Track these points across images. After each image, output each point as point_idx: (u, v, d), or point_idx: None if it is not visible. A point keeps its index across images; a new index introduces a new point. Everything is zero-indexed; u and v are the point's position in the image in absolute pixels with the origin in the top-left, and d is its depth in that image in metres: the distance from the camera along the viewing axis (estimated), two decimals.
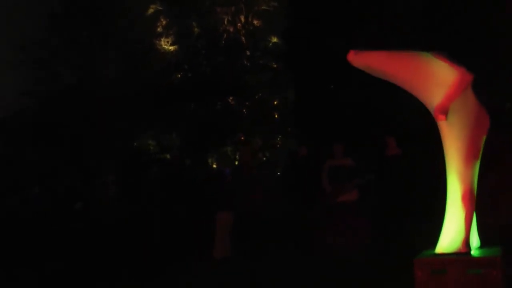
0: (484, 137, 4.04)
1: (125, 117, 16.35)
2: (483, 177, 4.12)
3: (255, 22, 19.34)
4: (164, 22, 19.19)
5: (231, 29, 19.09)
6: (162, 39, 19.05)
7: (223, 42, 18.68)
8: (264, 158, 18.34)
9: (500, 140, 5.13)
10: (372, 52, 3.94)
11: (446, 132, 3.97)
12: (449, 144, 3.98)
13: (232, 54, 18.43)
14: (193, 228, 8.56)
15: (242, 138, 18.06)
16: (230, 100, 18.50)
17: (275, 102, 18.87)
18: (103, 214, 11.51)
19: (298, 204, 8.37)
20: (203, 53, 18.63)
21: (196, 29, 18.76)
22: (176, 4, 18.65)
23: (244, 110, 18.64)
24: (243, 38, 19.04)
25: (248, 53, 18.94)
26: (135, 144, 17.95)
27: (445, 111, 3.82)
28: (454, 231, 3.91)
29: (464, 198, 3.91)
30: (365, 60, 3.94)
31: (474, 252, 3.92)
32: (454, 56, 3.84)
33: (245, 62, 18.89)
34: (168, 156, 16.63)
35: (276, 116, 18.81)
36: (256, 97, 18.70)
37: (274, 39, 18.82)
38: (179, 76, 18.73)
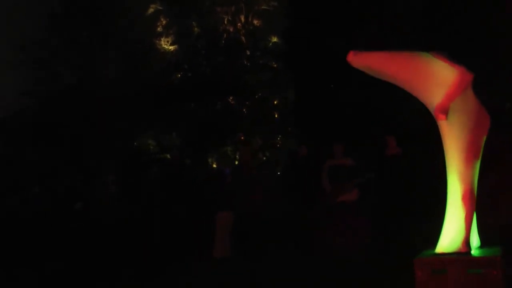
0: (484, 137, 4.04)
1: (125, 117, 16.34)
2: (483, 177, 4.11)
3: (255, 22, 19.29)
4: (164, 22, 19.14)
5: (231, 29, 19.05)
6: (162, 39, 19.00)
7: (223, 42, 18.65)
8: (264, 158, 18.31)
9: (500, 140, 5.12)
10: (372, 53, 3.94)
11: (446, 132, 3.97)
12: (449, 144, 3.98)
13: (232, 54, 18.40)
14: (193, 228, 8.56)
15: (242, 138, 18.02)
16: (230, 100, 18.47)
17: (275, 102, 18.82)
18: (103, 214, 11.50)
19: (298, 204, 8.36)
20: (203, 53, 18.61)
21: (196, 29, 18.73)
22: (176, 4, 18.63)
23: (244, 110, 18.60)
24: (243, 38, 19.00)
25: (248, 52, 18.90)
26: (135, 144, 17.92)
27: (445, 111, 3.82)
28: (454, 231, 3.91)
29: (464, 198, 3.91)
30: (364, 60, 3.94)
31: (474, 252, 3.92)
32: (454, 56, 3.84)
33: (245, 62, 18.85)
34: (168, 156, 16.62)
35: (276, 116, 18.77)
36: (256, 97, 18.66)
37: (274, 39, 18.80)
38: (179, 76, 18.69)
